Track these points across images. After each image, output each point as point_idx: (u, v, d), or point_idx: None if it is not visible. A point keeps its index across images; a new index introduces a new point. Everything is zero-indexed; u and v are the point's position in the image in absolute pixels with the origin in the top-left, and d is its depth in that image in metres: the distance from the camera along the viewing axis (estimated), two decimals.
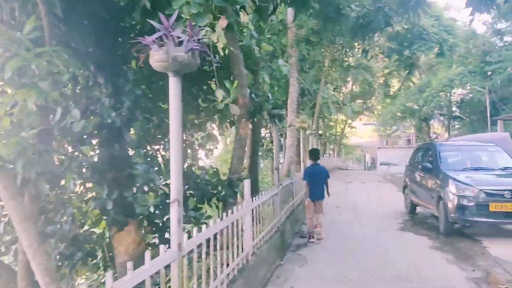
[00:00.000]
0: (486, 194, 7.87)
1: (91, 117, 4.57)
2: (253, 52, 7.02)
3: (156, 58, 2.76)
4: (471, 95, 36.17)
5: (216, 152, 15.51)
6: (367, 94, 32.31)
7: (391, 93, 42.80)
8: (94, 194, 5.00)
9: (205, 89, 6.44)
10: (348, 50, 17.50)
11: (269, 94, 6.62)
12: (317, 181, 8.08)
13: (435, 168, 9.19)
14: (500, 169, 9.06)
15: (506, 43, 32.55)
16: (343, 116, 32.24)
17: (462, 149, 9.94)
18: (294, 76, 15.56)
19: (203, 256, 3.60)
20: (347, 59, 26.76)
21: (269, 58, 16.44)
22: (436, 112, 44.18)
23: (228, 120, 6.66)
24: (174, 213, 2.95)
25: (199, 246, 3.54)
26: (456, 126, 45.74)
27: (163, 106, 5.81)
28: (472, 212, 7.89)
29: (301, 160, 15.00)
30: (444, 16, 29.34)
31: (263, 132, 24.56)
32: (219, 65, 6.07)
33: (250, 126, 6.14)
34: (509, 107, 28.44)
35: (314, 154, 8.71)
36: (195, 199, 5.52)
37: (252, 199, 5.21)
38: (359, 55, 25.17)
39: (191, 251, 3.36)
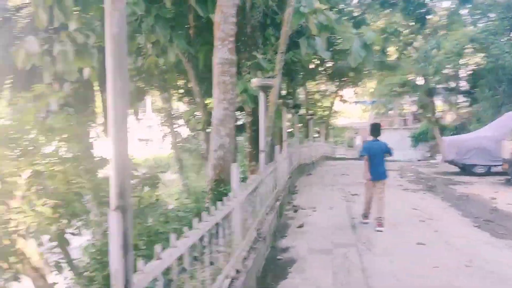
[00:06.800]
0: None
1: None
2: None
3: None
4: (483, 64, 28.57)
5: None
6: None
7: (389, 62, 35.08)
8: None
9: None
10: None
11: None
12: (377, 158, 7.62)
13: None
14: None
15: None
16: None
17: None
18: None
19: None
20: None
21: None
22: (440, 86, 36.59)
23: None
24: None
25: None
26: (464, 104, 38.25)
27: None
28: None
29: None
30: None
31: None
32: None
33: None
34: None
35: (375, 128, 8.04)
36: None
37: None
38: None
39: None
